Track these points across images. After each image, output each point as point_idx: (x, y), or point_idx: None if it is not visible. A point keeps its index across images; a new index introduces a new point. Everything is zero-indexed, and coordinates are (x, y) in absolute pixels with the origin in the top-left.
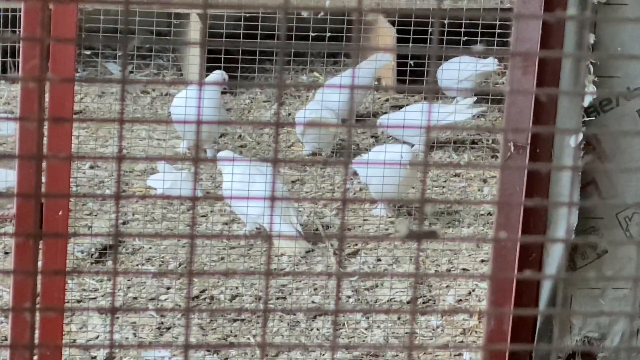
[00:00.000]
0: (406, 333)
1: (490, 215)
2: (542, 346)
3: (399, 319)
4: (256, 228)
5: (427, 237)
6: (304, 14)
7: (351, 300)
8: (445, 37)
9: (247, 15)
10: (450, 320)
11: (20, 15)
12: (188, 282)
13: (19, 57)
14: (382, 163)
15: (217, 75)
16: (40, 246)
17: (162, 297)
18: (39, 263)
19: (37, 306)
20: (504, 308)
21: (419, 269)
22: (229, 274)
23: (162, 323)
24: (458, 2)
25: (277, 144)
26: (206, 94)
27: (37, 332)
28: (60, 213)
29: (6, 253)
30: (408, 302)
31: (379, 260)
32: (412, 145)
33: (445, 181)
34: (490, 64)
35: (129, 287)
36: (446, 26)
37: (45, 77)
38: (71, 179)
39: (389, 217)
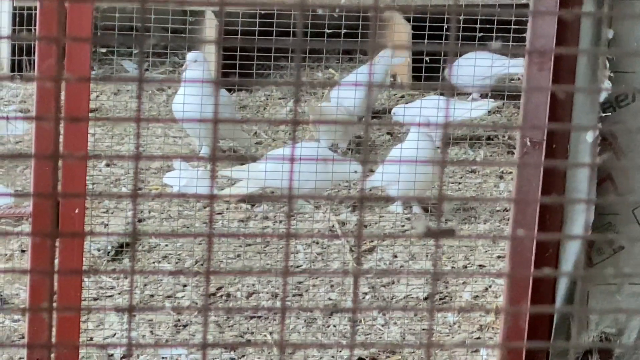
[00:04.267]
0: (423, 329)
1: (507, 211)
2: (559, 343)
3: (415, 315)
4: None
5: (445, 236)
6: (319, 11)
7: (368, 297)
8: (460, 33)
9: (262, 12)
10: (467, 317)
11: (35, 14)
12: (206, 281)
13: (34, 55)
14: (404, 161)
15: (192, 55)
16: (57, 244)
17: (179, 295)
18: (56, 261)
19: (55, 305)
20: (521, 304)
21: (437, 267)
22: (246, 274)
23: (178, 320)
24: None
25: (294, 141)
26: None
27: (53, 330)
28: (76, 211)
29: (22, 251)
30: (425, 299)
31: (395, 256)
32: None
33: (461, 177)
34: (510, 66)
35: (145, 285)
36: (461, 22)
37: (62, 77)
38: (87, 177)
39: (405, 214)
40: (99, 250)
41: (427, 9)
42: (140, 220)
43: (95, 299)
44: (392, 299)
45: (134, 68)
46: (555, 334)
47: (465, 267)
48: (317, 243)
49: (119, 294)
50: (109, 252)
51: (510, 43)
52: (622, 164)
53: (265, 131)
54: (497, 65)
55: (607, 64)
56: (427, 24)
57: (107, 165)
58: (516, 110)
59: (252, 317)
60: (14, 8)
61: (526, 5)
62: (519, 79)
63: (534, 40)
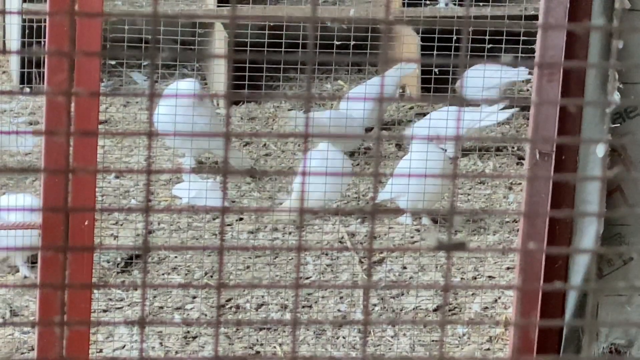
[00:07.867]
0: (433, 341)
1: (516, 222)
2: (569, 355)
3: (425, 326)
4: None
5: (457, 249)
6: (329, 24)
7: (377, 308)
8: (469, 45)
9: (272, 24)
10: (476, 328)
11: (44, 26)
12: (217, 294)
13: (43, 67)
14: (414, 175)
15: (189, 84)
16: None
17: (188, 307)
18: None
19: (65, 318)
20: (531, 316)
21: (448, 281)
22: (256, 286)
23: (188, 332)
24: (482, 10)
25: (305, 153)
26: (180, 105)
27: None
28: (86, 223)
29: (33, 262)
30: (434, 310)
31: (405, 268)
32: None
33: (470, 188)
34: (519, 73)
35: (155, 297)
36: (470, 34)
37: (73, 92)
38: (97, 189)
39: (414, 225)
40: (108, 262)
41: (436, 21)
42: (149, 232)
43: (104, 311)
44: (401, 310)
45: (143, 80)
46: (565, 346)
47: (475, 278)
48: (327, 254)
49: (129, 305)
50: (118, 264)
51: (520, 55)
52: (632, 175)
53: (274, 143)
54: (496, 75)
55: (616, 75)
56: (436, 35)
57: (117, 177)
58: (525, 121)
59: (261, 329)
60: (24, 21)
61: (535, 17)
62: (527, 90)
63: (544, 52)
